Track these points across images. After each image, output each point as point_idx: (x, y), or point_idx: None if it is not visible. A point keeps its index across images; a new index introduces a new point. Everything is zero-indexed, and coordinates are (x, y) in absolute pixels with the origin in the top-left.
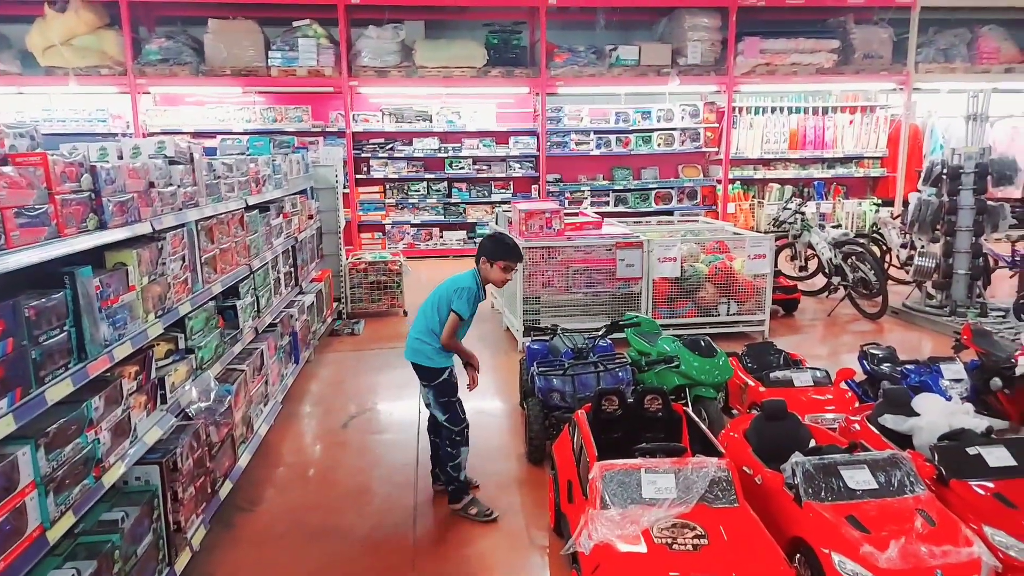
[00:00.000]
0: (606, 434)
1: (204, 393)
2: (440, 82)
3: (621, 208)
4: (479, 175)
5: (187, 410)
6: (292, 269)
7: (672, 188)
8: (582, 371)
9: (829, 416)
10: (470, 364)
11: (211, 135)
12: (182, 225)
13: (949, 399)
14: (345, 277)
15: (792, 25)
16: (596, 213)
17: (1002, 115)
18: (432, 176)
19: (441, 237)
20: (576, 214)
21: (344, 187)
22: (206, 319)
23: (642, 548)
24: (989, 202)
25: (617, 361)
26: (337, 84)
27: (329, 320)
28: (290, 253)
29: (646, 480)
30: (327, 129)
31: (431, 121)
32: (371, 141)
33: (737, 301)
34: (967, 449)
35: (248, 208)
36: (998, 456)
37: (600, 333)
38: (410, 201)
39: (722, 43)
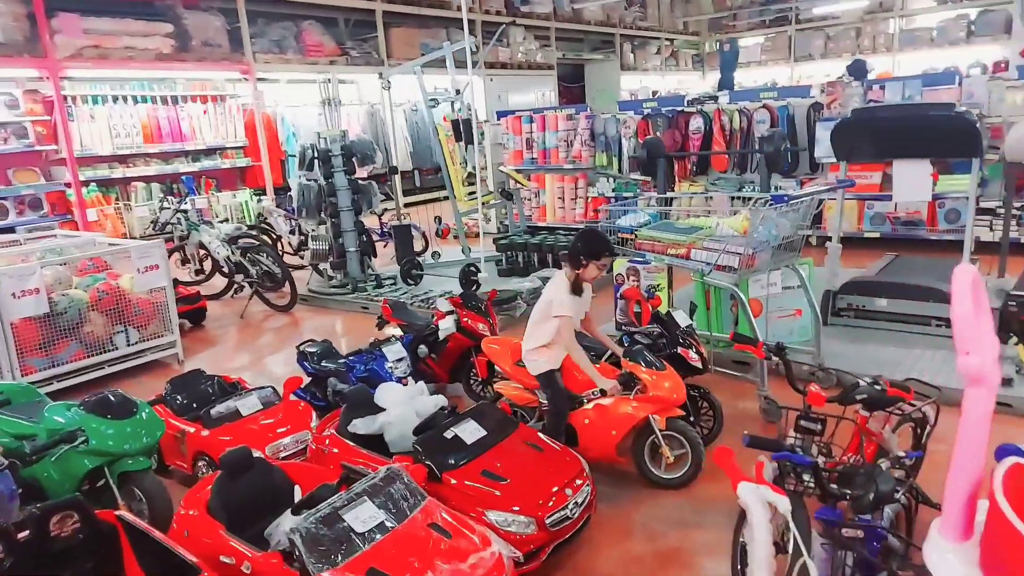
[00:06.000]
0: None
1: None
2: None
3: None
4: None
5: None
6: None
7: (7, 199)
8: None
9: (288, 440)
10: None
11: None
12: None
13: (397, 380)
14: None
15: (117, 5)
16: None
17: (347, 101)
18: None
19: None
20: None
21: None
22: None
23: None
24: (360, 181)
25: None
26: None
27: None
28: None
29: None
30: None
31: None
32: None
33: (137, 326)
34: (444, 434)
35: None
36: (470, 430)
37: None
38: None
39: (29, 18)
